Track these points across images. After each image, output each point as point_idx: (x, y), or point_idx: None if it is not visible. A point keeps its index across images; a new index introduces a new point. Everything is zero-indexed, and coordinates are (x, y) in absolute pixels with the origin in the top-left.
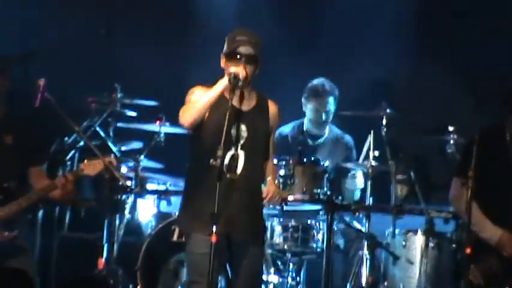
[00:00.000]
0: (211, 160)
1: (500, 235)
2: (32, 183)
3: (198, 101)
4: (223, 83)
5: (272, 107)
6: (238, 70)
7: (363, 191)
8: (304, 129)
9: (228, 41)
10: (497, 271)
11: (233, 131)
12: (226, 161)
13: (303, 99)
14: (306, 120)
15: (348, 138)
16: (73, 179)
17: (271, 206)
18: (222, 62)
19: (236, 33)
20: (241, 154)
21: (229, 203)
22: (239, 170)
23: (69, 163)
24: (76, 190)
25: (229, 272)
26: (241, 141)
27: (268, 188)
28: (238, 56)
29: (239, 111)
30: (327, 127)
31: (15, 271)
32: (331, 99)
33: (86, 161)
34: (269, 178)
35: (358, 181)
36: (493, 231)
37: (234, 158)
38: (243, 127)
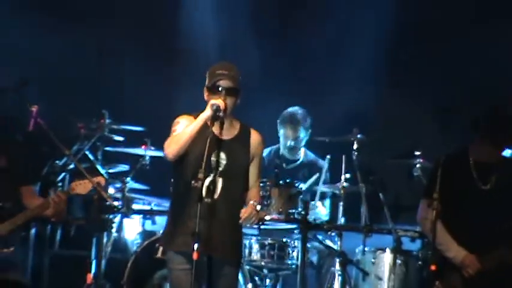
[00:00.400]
0: (193, 182)
1: (464, 256)
2: (25, 202)
3: (181, 134)
4: (204, 115)
5: (254, 136)
6: (219, 102)
7: (335, 210)
8: (280, 153)
9: (209, 75)
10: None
11: (213, 158)
12: (205, 186)
13: (277, 125)
14: (281, 145)
15: (321, 162)
16: (65, 198)
17: (247, 225)
18: (205, 95)
19: (216, 67)
20: (219, 180)
21: (208, 225)
22: (216, 195)
23: (60, 184)
24: (67, 210)
25: None
26: (220, 168)
27: (245, 209)
28: (219, 89)
29: (219, 140)
30: (302, 151)
31: (14, 282)
32: (301, 128)
33: (76, 181)
34: (251, 202)
35: (320, 212)
36: (457, 251)
37: (213, 184)
38: (223, 155)
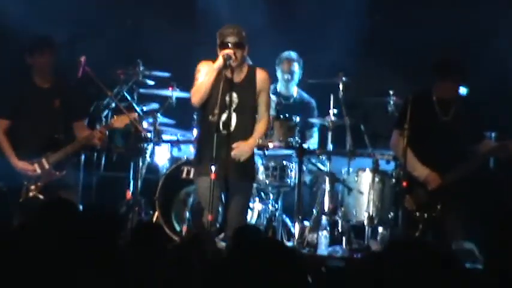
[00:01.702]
0: (210, 117)
1: (427, 173)
2: (77, 134)
3: (201, 85)
4: (216, 65)
5: (260, 74)
6: (230, 52)
7: (325, 139)
8: (278, 91)
9: (219, 36)
10: (425, 200)
11: (227, 98)
12: (222, 121)
13: (276, 65)
14: (278, 84)
15: (312, 100)
16: (105, 131)
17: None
18: (218, 52)
19: (223, 28)
20: (233, 116)
21: (225, 153)
22: (232, 128)
23: (104, 119)
24: (110, 140)
25: (223, 200)
26: (233, 106)
27: (239, 146)
28: (228, 44)
29: (232, 82)
30: (295, 89)
31: (63, 200)
32: (295, 64)
33: (115, 116)
34: (253, 135)
35: (313, 141)
36: (421, 170)
37: (228, 118)
38: (235, 94)
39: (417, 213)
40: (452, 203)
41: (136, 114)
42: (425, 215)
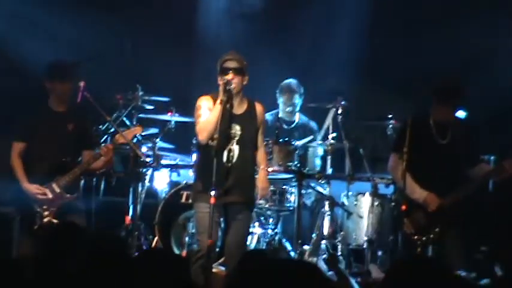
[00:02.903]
0: (209, 141)
1: (426, 195)
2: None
3: (207, 122)
4: (218, 106)
5: (258, 108)
6: (228, 77)
7: (324, 163)
8: (280, 116)
9: (219, 62)
10: (423, 223)
11: (230, 131)
12: (225, 153)
13: (277, 94)
14: (280, 110)
15: (312, 124)
16: (112, 147)
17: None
18: (219, 80)
19: (224, 56)
20: (236, 148)
21: (226, 183)
22: (234, 160)
23: (103, 145)
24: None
25: (223, 226)
26: (236, 138)
27: (261, 186)
28: (226, 70)
29: (234, 115)
30: (297, 115)
31: (73, 224)
32: (296, 96)
33: (119, 133)
34: (262, 167)
35: (318, 151)
36: (420, 192)
37: (231, 151)
38: (237, 127)
39: (416, 236)
40: (451, 226)
41: (139, 127)
42: (424, 238)
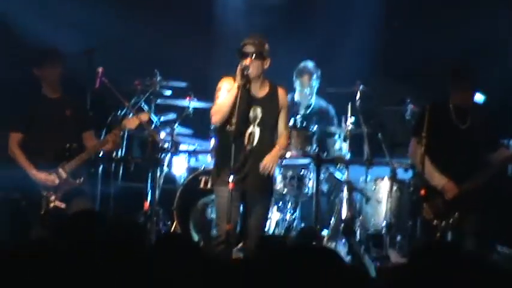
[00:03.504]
0: (228, 126)
1: (444, 183)
2: (85, 144)
3: (222, 105)
4: (236, 84)
5: (281, 92)
6: (246, 62)
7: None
8: (296, 100)
9: (239, 47)
10: (442, 208)
11: (251, 113)
12: (246, 135)
13: (293, 77)
14: (296, 94)
15: (330, 108)
16: (119, 133)
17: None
18: (239, 62)
19: (244, 39)
20: (257, 130)
21: (246, 167)
22: (255, 142)
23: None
24: (127, 149)
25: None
26: (257, 120)
27: (265, 159)
28: (244, 54)
29: (254, 97)
30: (313, 98)
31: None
32: (313, 77)
33: (126, 118)
34: (277, 146)
35: (342, 147)
36: (439, 179)
37: (252, 133)
38: (258, 109)
39: (435, 222)
40: (469, 212)
41: (145, 114)
42: (443, 223)
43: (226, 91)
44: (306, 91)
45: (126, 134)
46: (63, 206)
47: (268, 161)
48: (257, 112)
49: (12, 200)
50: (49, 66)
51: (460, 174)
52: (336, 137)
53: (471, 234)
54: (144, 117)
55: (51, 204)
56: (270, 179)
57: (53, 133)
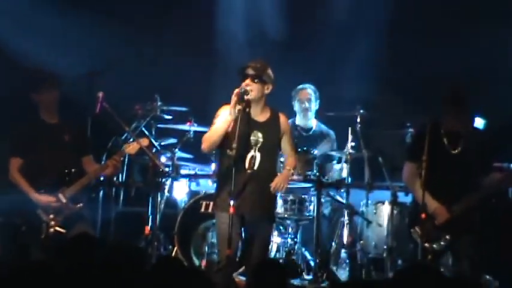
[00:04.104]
0: (228, 151)
1: (435, 207)
2: (85, 168)
3: (213, 132)
4: (227, 117)
5: (282, 118)
6: (246, 84)
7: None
8: (296, 124)
9: (240, 70)
10: (433, 231)
11: (252, 137)
12: (247, 159)
13: (292, 99)
14: (297, 117)
15: (331, 132)
16: (119, 158)
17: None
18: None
19: (247, 63)
20: (258, 155)
21: (248, 190)
22: (256, 166)
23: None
24: (128, 174)
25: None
26: (258, 145)
27: (276, 178)
28: (246, 76)
29: (255, 122)
30: (314, 122)
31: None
32: (311, 94)
33: (126, 144)
34: (287, 167)
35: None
36: (430, 203)
37: (253, 157)
38: (260, 134)
39: (426, 245)
40: (462, 234)
41: (145, 138)
42: (434, 246)
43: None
44: (304, 106)
45: (127, 158)
46: (63, 231)
47: (279, 181)
48: (258, 136)
49: (13, 225)
50: (46, 91)
51: (451, 198)
52: (337, 160)
53: (464, 257)
54: (144, 142)
55: (51, 229)
56: (271, 204)
57: (52, 158)
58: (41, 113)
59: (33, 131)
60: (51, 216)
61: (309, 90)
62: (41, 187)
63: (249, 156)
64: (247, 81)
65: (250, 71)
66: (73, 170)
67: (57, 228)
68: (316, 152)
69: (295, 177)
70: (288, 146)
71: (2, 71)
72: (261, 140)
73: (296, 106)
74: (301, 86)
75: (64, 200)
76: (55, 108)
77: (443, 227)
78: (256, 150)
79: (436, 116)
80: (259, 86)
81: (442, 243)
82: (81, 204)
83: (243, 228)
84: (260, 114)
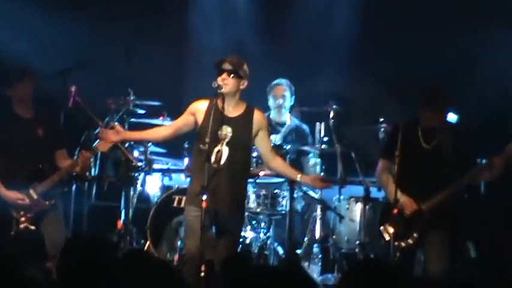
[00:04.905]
0: (201, 146)
1: (403, 200)
2: (58, 163)
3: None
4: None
5: (257, 114)
6: (219, 80)
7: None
8: (270, 118)
9: (215, 64)
10: (402, 228)
11: (220, 132)
12: (214, 154)
13: (267, 94)
14: (271, 112)
15: (305, 127)
16: (89, 156)
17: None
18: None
19: (223, 57)
20: (225, 149)
21: (215, 186)
22: (222, 161)
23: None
24: (101, 169)
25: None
26: (226, 140)
27: (313, 180)
28: (222, 70)
29: (226, 117)
30: (288, 117)
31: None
32: (286, 89)
33: (98, 141)
34: (299, 176)
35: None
36: (399, 196)
37: (219, 152)
38: (229, 129)
39: (395, 243)
40: (430, 231)
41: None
42: (403, 243)
43: (190, 114)
44: (278, 102)
45: (99, 153)
46: (32, 227)
47: (314, 179)
48: (227, 131)
49: None
50: (19, 85)
51: (423, 193)
52: (310, 155)
53: (431, 253)
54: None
55: (21, 226)
56: (240, 199)
57: (25, 153)
58: (15, 107)
59: (5, 125)
60: (22, 212)
61: (284, 86)
62: (13, 182)
63: (215, 150)
64: (224, 75)
65: (227, 66)
66: (46, 165)
67: (27, 225)
68: (289, 146)
69: (268, 172)
70: (265, 143)
71: None
72: (229, 134)
73: (270, 102)
74: (276, 82)
75: (35, 196)
76: (29, 103)
77: (412, 224)
78: (223, 145)
79: (414, 113)
80: (235, 80)
81: (409, 241)
82: (52, 201)
83: (212, 223)
84: (233, 110)
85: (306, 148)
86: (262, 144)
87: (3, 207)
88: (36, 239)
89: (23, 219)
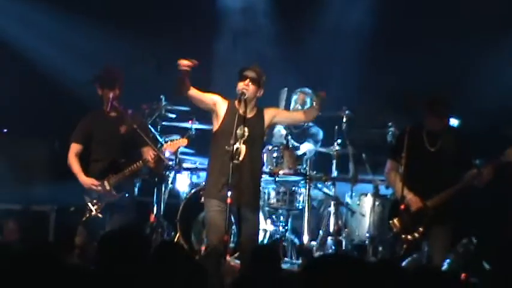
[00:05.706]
0: (226, 147)
1: (410, 197)
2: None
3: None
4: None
5: (266, 111)
6: (242, 87)
7: (330, 167)
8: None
9: (240, 70)
10: (409, 223)
11: (239, 131)
12: (233, 152)
13: (290, 96)
14: (291, 107)
15: (319, 131)
16: (156, 155)
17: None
18: (238, 85)
19: (247, 66)
20: (243, 147)
21: (237, 181)
22: (241, 157)
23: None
24: None
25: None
26: (244, 138)
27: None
28: (245, 77)
29: (244, 117)
30: None
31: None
32: (308, 98)
33: (167, 142)
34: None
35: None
36: (406, 193)
37: (238, 149)
38: (246, 129)
39: (402, 236)
40: (434, 227)
41: (187, 141)
42: (409, 237)
43: (212, 100)
44: (298, 107)
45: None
46: (100, 216)
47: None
48: (244, 131)
49: (40, 212)
50: (108, 89)
51: (428, 192)
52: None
53: (435, 248)
54: (183, 142)
55: (92, 213)
56: (258, 190)
57: (107, 148)
58: (104, 106)
59: (93, 121)
60: (94, 200)
61: (307, 95)
62: (93, 173)
63: (234, 148)
64: (246, 81)
65: (251, 73)
66: (122, 160)
67: (96, 214)
68: (301, 149)
69: (286, 171)
70: (286, 114)
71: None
72: (246, 133)
73: (292, 102)
74: (301, 89)
75: (108, 187)
76: (115, 103)
77: (419, 220)
78: (241, 143)
79: (419, 119)
80: (255, 88)
81: (416, 235)
82: (120, 194)
83: (232, 216)
84: (248, 112)
85: (321, 149)
86: (285, 116)
87: (80, 196)
88: (101, 227)
89: (94, 207)
